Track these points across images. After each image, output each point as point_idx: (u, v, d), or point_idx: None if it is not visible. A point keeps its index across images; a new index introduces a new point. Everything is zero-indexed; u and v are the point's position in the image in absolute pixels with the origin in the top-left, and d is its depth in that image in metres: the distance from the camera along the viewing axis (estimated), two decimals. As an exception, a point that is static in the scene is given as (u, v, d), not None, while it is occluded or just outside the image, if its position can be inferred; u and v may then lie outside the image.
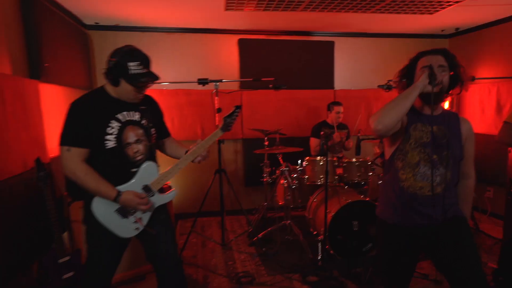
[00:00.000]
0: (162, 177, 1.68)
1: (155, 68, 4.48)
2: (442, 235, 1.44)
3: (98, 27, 3.66)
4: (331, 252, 2.76)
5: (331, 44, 4.23)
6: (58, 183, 2.45)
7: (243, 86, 4.02)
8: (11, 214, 1.88)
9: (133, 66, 1.50)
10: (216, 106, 3.01)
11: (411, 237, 1.49)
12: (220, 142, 3.06)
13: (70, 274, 2.08)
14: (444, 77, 1.41)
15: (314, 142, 3.60)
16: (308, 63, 4.17)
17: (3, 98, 1.90)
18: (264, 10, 3.12)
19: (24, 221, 2.00)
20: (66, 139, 1.51)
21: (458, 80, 1.44)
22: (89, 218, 1.60)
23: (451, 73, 1.42)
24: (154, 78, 1.56)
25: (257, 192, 4.14)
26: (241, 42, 4.00)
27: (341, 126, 3.63)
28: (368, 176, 3.08)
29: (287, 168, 3.15)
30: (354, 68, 4.35)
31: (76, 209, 2.39)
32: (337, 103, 3.55)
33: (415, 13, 3.23)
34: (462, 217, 1.49)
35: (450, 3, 2.94)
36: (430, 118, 1.46)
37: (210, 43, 3.96)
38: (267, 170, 3.48)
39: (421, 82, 1.37)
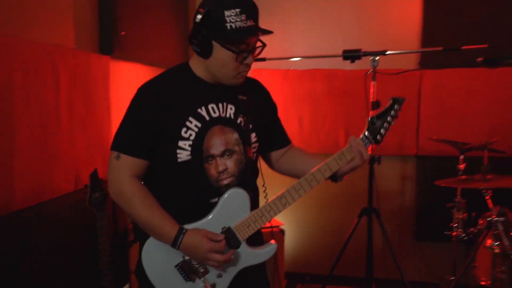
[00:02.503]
0: (256, 216, 1.63)
1: (279, 36, 4.37)
2: None
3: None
4: None
5: None
6: (121, 212, 2.64)
7: (425, 62, 3.77)
8: (50, 249, 2.04)
9: (233, 17, 1.49)
10: (372, 97, 2.87)
11: None
12: (373, 160, 2.87)
13: None
14: None
15: None
16: None
17: (57, 82, 2.12)
18: None
19: (67, 266, 2.16)
20: (118, 141, 1.60)
21: None
22: (141, 272, 1.64)
23: None
24: (266, 32, 1.56)
25: (439, 254, 3.86)
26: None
27: None
28: None
29: (502, 219, 2.77)
30: None
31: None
32: None
33: None
34: None
35: None
36: None
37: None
38: (460, 216, 3.20)
39: None
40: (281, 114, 3.83)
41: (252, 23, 1.52)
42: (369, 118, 1.68)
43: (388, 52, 2.86)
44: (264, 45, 1.60)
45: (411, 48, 3.73)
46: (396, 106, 1.68)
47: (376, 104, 2.83)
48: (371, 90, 2.85)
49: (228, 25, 1.48)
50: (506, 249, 2.68)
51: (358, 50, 2.87)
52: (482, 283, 3.00)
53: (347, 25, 3.88)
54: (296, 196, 1.63)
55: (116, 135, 1.61)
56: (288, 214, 3.79)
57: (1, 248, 1.75)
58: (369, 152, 2.83)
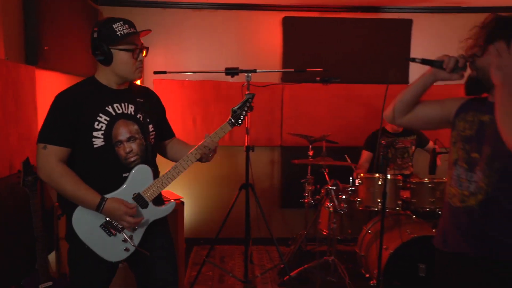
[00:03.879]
0: (157, 184, 1.74)
1: (177, 52, 4.37)
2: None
3: (111, 2, 3.94)
4: (387, 304, 2.65)
5: (407, 24, 4.12)
6: (49, 191, 2.64)
7: (286, 78, 4.06)
8: None
9: (119, 27, 1.63)
10: None
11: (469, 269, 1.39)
12: (248, 148, 3.06)
13: (50, 304, 2.22)
14: (493, 60, 1.32)
15: (363, 156, 3.60)
16: (374, 49, 4.11)
17: None
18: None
19: (5, 235, 2.15)
20: (43, 135, 1.62)
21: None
22: (72, 235, 1.67)
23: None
24: (145, 30, 1.71)
25: (297, 216, 4.13)
26: (286, 21, 4.06)
27: (406, 132, 3.56)
28: (446, 204, 2.91)
29: (333, 187, 3.12)
30: (438, 54, 4.15)
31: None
32: None
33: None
34: None
35: None
36: (488, 105, 1.38)
37: (246, 23, 4.07)
38: (310, 188, 3.48)
39: (423, 78, 1.49)
40: (179, 115, 4.01)
41: (133, 29, 1.67)
42: (232, 108, 1.85)
43: (257, 71, 3.03)
44: (147, 47, 1.74)
45: (278, 67, 4.01)
46: (249, 99, 1.87)
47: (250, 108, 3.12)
48: (246, 97, 3.12)
49: (118, 33, 1.62)
50: (336, 207, 3.04)
51: (236, 68, 2.99)
52: (323, 233, 3.36)
53: (229, 48, 4.03)
54: (186, 166, 1.75)
55: (41, 131, 1.63)
56: (186, 190, 3.89)
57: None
58: (245, 144, 3.06)
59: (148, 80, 3.97)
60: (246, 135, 3.06)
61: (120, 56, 1.66)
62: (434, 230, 2.74)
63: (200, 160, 1.82)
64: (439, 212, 3.04)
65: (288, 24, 4.04)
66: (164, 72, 3.17)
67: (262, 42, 4.09)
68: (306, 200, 3.49)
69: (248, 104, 1.88)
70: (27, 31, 2.55)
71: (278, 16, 4.04)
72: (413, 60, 1.43)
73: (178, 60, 4.03)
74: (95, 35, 1.65)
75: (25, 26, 2.55)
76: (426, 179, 2.97)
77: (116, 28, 1.62)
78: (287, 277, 3.11)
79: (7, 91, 2.23)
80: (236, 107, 1.87)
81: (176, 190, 3.33)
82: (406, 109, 1.53)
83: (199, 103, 4.03)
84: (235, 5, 3.99)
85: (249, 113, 3.32)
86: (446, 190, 1.49)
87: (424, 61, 1.42)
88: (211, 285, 3.24)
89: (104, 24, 1.64)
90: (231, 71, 3.04)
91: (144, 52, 1.74)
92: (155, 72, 3.24)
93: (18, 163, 2.23)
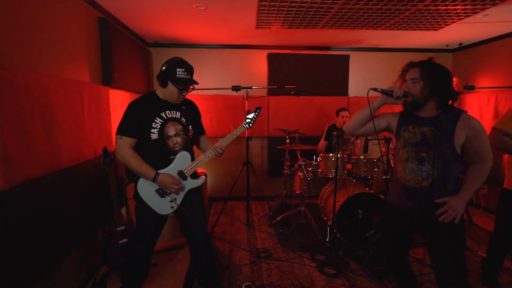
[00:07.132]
0: (194, 165, 1.74)
1: (199, 77, 4.42)
2: (434, 222, 1.40)
3: (157, 45, 3.84)
4: (338, 235, 2.69)
5: (346, 58, 4.10)
6: (119, 168, 2.61)
7: (270, 92, 4.03)
8: (84, 189, 2.03)
9: (180, 72, 1.59)
10: (246, 108, 3.04)
11: (410, 217, 1.49)
12: (248, 138, 3.07)
13: (125, 240, 2.21)
14: (413, 88, 1.38)
15: (320, 143, 3.55)
16: (326, 74, 4.09)
17: (82, 100, 2.07)
18: (288, 28, 3.07)
19: (94, 195, 2.15)
20: (120, 129, 1.61)
21: (438, 88, 1.35)
22: (137, 196, 1.70)
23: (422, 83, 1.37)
24: (194, 82, 1.65)
25: (278, 182, 4.14)
26: (270, 56, 4.00)
27: None
28: (374, 171, 2.95)
29: (303, 163, 3.12)
30: (366, 78, 4.19)
31: (131, 189, 2.52)
32: (343, 109, 3.48)
33: (421, 29, 3.03)
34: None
35: (454, 20, 2.74)
36: (423, 120, 1.42)
37: (244, 57, 4.00)
38: (287, 163, 3.48)
39: (376, 101, 1.44)
40: (203, 117, 3.90)
41: (189, 77, 1.61)
42: (246, 116, 1.88)
43: (254, 87, 3.07)
44: (193, 88, 1.68)
45: (264, 86, 3.98)
46: (257, 110, 1.88)
47: (248, 112, 2.96)
48: (245, 105, 3.02)
49: (177, 75, 1.56)
50: (305, 176, 3.04)
51: (239, 86, 3.03)
52: (297, 192, 3.31)
53: (233, 73, 3.96)
54: (211, 154, 1.73)
55: (119, 126, 1.60)
56: (208, 167, 3.91)
57: (55, 188, 1.71)
58: (246, 135, 3.12)
59: (181, 95, 3.91)
60: (246, 130, 3.03)
61: (171, 88, 1.63)
62: (367, 189, 2.77)
63: (214, 156, 1.78)
64: (369, 178, 3.11)
65: (271, 58, 3.99)
66: (193, 88, 3.13)
67: (254, 69, 4.03)
68: (285, 171, 3.48)
69: (257, 113, 1.87)
70: (104, 63, 2.50)
71: (265, 53, 3.99)
72: (376, 89, 1.41)
73: (200, 81, 3.94)
74: (164, 68, 1.59)
75: (102, 60, 2.50)
76: (362, 157, 2.98)
77: (178, 72, 1.58)
78: (274, 221, 3.14)
79: (91, 103, 2.18)
80: (249, 115, 1.84)
81: (203, 167, 3.28)
82: (361, 125, 1.49)
83: (214, 110, 3.96)
84: (237, 45, 3.92)
85: (246, 115, 3.28)
86: (399, 175, 1.48)
87: (382, 91, 1.40)
88: (225, 227, 3.23)
89: (173, 65, 1.57)
90: (236, 88, 3.05)
91: (191, 88, 1.67)
92: (186, 90, 3.20)
93: (99, 150, 2.24)
